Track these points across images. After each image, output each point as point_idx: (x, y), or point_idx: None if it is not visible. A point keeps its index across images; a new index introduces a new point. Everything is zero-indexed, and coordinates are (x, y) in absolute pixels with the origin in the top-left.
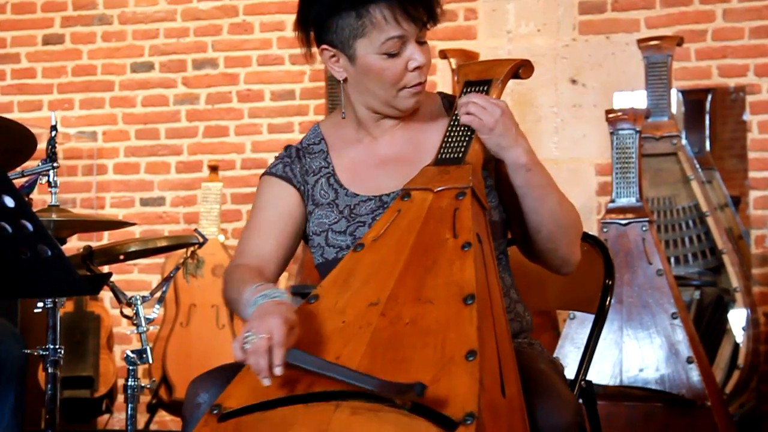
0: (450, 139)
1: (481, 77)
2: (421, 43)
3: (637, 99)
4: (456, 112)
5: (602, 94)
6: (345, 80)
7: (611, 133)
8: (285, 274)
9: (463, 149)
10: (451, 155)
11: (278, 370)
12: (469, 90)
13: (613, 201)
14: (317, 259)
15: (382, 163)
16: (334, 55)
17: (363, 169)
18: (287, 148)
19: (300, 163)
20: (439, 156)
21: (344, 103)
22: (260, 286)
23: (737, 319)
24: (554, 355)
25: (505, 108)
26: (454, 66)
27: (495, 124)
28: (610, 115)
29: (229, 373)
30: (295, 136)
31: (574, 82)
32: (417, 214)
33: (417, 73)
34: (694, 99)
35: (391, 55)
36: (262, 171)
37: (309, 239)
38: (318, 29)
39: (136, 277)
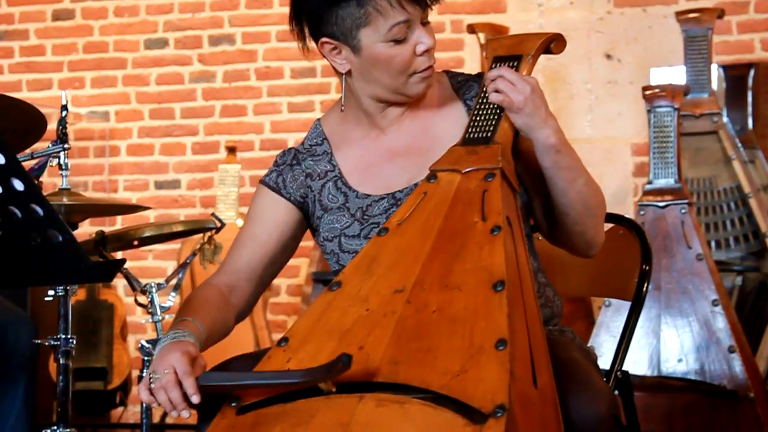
0: (478, 118)
1: (510, 52)
2: (424, 24)
3: (676, 75)
4: (484, 88)
5: (638, 69)
6: (348, 72)
7: (648, 111)
8: (306, 261)
9: (491, 128)
10: (480, 134)
11: (195, 398)
12: (498, 66)
13: (650, 182)
14: (333, 266)
15: (392, 157)
16: (335, 48)
17: (372, 166)
18: (285, 153)
19: (299, 168)
20: (467, 135)
21: (345, 95)
22: (176, 323)
23: None
24: (589, 344)
25: (535, 85)
26: (482, 41)
27: (524, 103)
28: (647, 92)
29: (247, 363)
30: (316, 115)
31: (609, 57)
32: (444, 196)
33: (426, 56)
34: (735, 74)
35: (398, 42)
36: (278, 154)
37: (322, 246)
38: (315, 22)
39: (151, 263)
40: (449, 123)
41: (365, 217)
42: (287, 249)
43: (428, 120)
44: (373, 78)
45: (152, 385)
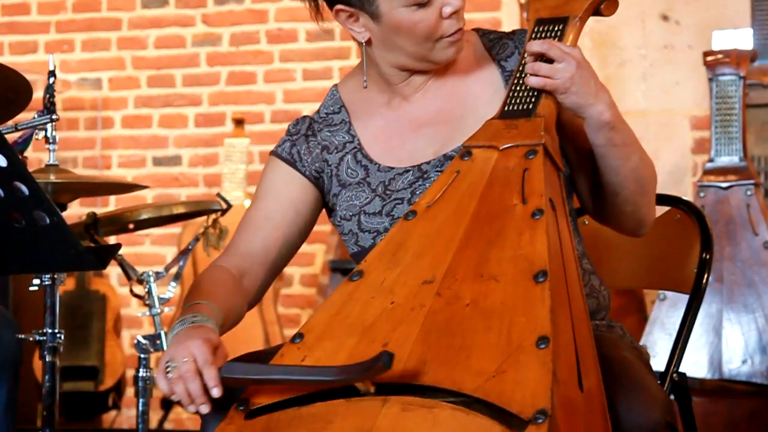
0: (518, 88)
1: (555, 14)
2: None
3: (741, 38)
4: (524, 54)
5: (699, 32)
6: (368, 42)
7: (710, 80)
8: (322, 247)
9: (533, 99)
10: (520, 106)
11: (216, 391)
12: (540, 29)
13: (711, 160)
14: (351, 248)
15: (417, 127)
16: (351, 15)
17: (395, 136)
18: (299, 120)
19: (315, 140)
20: (506, 107)
21: (365, 66)
22: (187, 307)
23: None
24: (640, 343)
25: (580, 59)
26: (523, 0)
27: (570, 83)
28: (709, 58)
29: (256, 361)
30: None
31: (665, 18)
32: (479, 175)
33: (454, 19)
34: None
35: (421, 5)
36: (290, 123)
37: (338, 227)
38: None
39: (148, 249)
40: (481, 87)
41: (387, 192)
42: (303, 231)
43: (458, 84)
44: (395, 46)
45: (169, 374)
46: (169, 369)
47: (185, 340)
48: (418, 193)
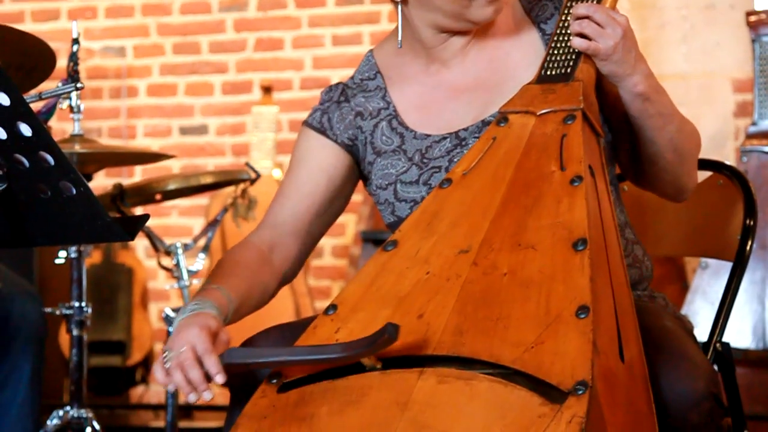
0: (556, 51)
1: None
2: None
3: None
4: (563, 16)
5: None
6: (404, 0)
7: (753, 41)
8: (353, 217)
9: (572, 63)
10: (558, 70)
11: (219, 378)
12: None
13: (754, 123)
14: (387, 218)
15: (456, 94)
16: None
17: (432, 104)
18: (331, 88)
19: (348, 106)
20: (543, 72)
21: (401, 27)
22: (191, 301)
23: None
24: (681, 312)
25: (627, 27)
26: None
27: (614, 50)
28: (752, 18)
29: (288, 333)
30: (364, 49)
31: None
32: (516, 142)
33: None
34: None
35: None
36: (323, 91)
37: (374, 196)
38: None
39: (176, 221)
40: (521, 51)
41: (424, 160)
42: (337, 199)
43: (497, 49)
44: (432, 4)
45: (167, 365)
46: (166, 359)
47: (183, 329)
48: (455, 160)
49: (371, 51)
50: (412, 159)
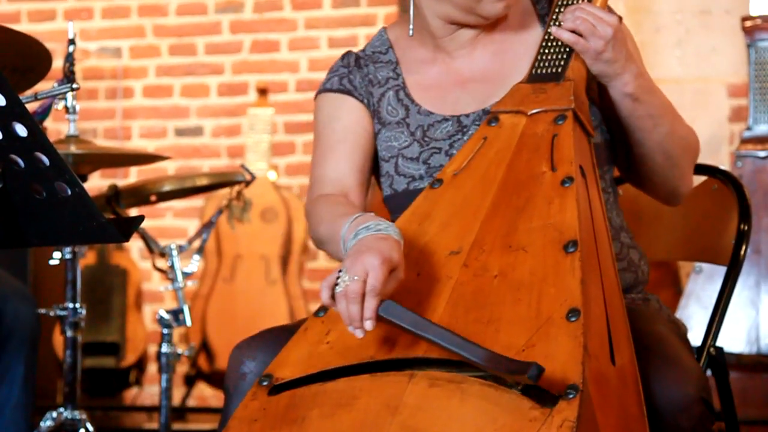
0: (547, 50)
1: None
2: None
3: None
4: (554, 15)
5: None
6: None
7: (748, 46)
8: None
9: (562, 62)
10: (549, 69)
11: (369, 324)
12: None
13: (749, 128)
14: (386, 191)
15: (462, 83)
16: None
17: (438, 86)
18: (344, 56)
19: (361, 73)
20: (534, 71)
21: (412, 17)
22: (359, 217)
23: None
24: (675, 316)
25: (618, 27)
26: None
27: (604, 48)
28: (747, 23)
29: (280, 336)
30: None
31: None
32: (507, 142)
33: None
34: None
35: None
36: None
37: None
38: None
39: (171, 222)
40: (526, 47)
41: (426, 138)
42: (372, 155)
43: (504, 43)
44: None
45: (337, 288)
46: (338, 282)
47: (366, 252)
48: (456, 145)
49: (384, 28)
50: (414, 134)
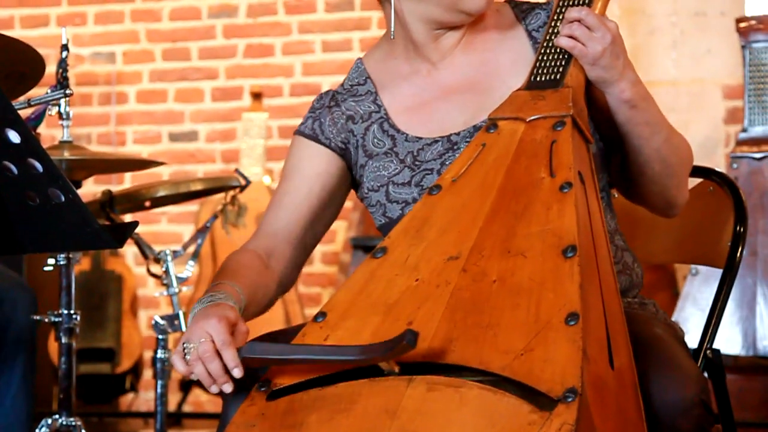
0: (545, 57)
1: None
2: None
3: None
4: (552, 23)
5: None
6: None
7: (743, 47)
8: (344, 224)
9: (561, 69)
10: (547, 76)
11: (237, 372)
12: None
13: (745, 130)
14: (378, 220)
15: (446, 96)
16: None
17: (423, 105)
18: (322, 95)
19: (339, 110)
20: (533, 78)
21: (393, 22)
22: (207, 293)
23: None
24: (672, 319)
25: (616, 33)
26: None
27: (601, 54)
28: (742, 25)
29: (277, 340)
30: (354, 55)
31: None
32: (505, 148)
33: None
34: None
35: None
36: (314, 99)
37: (365, 199)
38: None
39: (165, 228)
40: (511, 56)
41: (417, 162)
42: (331, 205)
43: (487, 54)
44: None
45: (187, 356)
46: (186, 350)
47: (201, 320)
48: (447, 163)
49: (360, 59)
50: (404, 161)
